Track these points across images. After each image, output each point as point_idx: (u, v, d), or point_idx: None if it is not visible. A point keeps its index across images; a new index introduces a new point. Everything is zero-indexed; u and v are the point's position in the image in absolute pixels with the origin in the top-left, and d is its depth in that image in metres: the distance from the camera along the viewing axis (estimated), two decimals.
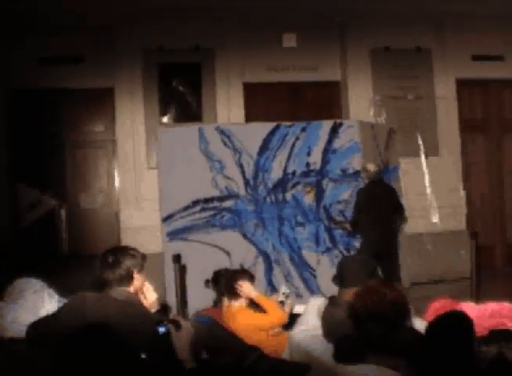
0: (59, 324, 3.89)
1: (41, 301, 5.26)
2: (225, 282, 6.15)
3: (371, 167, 9.25)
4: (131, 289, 4.22)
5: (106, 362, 2.72)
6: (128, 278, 4.19)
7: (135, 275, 4.23)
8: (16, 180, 10.82)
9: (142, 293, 4.34)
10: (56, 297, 5.54)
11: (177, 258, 8.31)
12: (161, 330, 3.70)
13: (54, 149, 11.23)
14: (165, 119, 11.12)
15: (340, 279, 5.19)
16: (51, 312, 4.44)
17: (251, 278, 6.24)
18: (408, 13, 11.94)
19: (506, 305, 5.58)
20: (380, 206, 9.07)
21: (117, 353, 2.78)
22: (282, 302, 6.51)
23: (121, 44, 11.09)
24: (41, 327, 4.15)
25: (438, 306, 5.71)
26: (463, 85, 12.55)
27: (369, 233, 9.02)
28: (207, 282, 6.73)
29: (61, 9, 10.66)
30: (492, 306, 5.58)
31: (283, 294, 6.71)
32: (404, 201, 10.53)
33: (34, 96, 11.02)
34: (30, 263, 8.89)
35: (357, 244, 9.31)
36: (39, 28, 10.84)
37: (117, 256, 4.22)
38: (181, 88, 11.23)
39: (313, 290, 9.15)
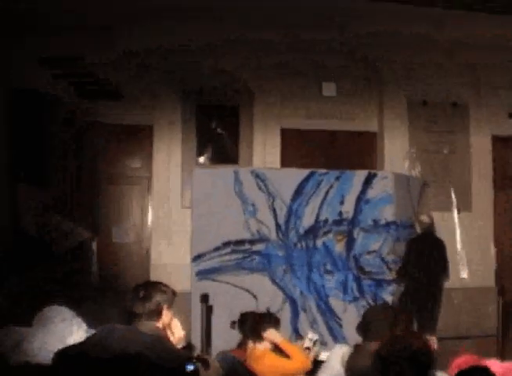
0: (86, 353, 3.94)
1: (70, 330, 5.29)
2: (250, 325, 6.19)
3: (424, 218, 9.31)
4: (160, 324, 4.28)
5: None
6: (158, 313, 4.25)
7: (165, 311, 4.28)
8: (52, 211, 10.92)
9: (170, 329, 4.40)
10: (85, 327, 5.57)
11: (205, 298, 8.38)
12: (189, 368, 3.75)
13: (90, 183, 11.34)
14: (201, 159, 11.24)
15: (363, 329, 5.24)
16: (78, 342, 4.48)
17: (277, 323, 6.29)
18: (445, 67, 12.04)
19: None
20: (427, 259, 9.10)
21: None
22: (308, 348, 6.53)
23: (162, 83, 11.21)
24: (67, 354, 4.20)
25: (462, 362, 5.68)
26: (498, 142, 12.54)
27: (412, 284, 9.03)
28: (233, 323, 6.78)
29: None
30: None
31: (310, 340, 6.72)
32: None
33: (73, 130, 11.16)
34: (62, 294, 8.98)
35: (385, 295, 9.29)
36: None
37: (149, 290, 4.29)
38: (219, 130, 11.35)
39: (338, 338, 9.11)
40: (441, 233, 11.22)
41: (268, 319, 6.32)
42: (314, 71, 11.80)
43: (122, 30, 10.94)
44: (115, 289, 10.33)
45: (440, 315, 10.40)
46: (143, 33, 10.87)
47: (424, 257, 9.10)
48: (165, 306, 4.29)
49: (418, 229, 9.40)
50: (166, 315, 4.30)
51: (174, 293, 4.41)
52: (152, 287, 4.36)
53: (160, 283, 4.47)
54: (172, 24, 10.86)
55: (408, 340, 3.86)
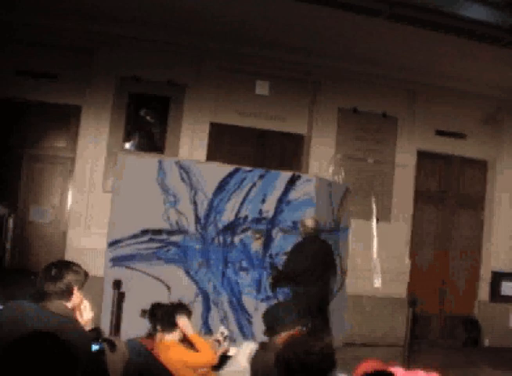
0: None
1: None
2: (162, 313, 6.16)
3: (309, 222, 9.27)
4: (70, 304, 4.23)
5: (54, 369, 2.73)
6: (68, 293, 4.20)
7: (75, 291, 4.24)
8: None
9: (79, 310, 4.36)
10: None
11: (117, 284, 8.32)
12: (95, 347, 3.72)
13: (12, 160, 11.15)
14: (128, 145, 11.14)
15: (268, 327, 5.30)
16: None
17: (189, 314, 6.28)
18: (380, 78, 12.22)
19: (435, 375, 5.64)
20: (317, 263, 9.10)
21: (66, 361, 2.80)
22: (218, 341, 6.54)
23: (98, 67, 11.11)
24: None
25: (367, 367, 5.75)
26: (423, 157, 12.80)
27: (305, 288, 9.03)
28: (143, 312, 6.74)
29: (39, 25, 10.69)
30: (420, 374, 5.63)
31: (222, 333, 6.73)
32: (349, 262, 10.70)
33: (2, 106, 10.99)
34: None
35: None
36: (16, 41, 10.84)
37: (61, 270, 4.23)
38: (148, 118, 11.27)
39: (247, 335, 9.18)
40: (358, 240, 11.45)
41: (182, 309, 6.30)
42: (249, 69, 11.81)
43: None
44: (27, 268, 10.21)
45: (351, 321, 10.62)
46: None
47: (312, 260, 9.03)
48: (76, 287, 4.24)
49: (301, 233, 9.34)
50: (76, 295, 4.25)
51: (86, 274, 4.37)
52: (64, 266, 4.30)
53: (73, 263, 4.41)
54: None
55: (310, 341, 3.89)
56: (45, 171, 11.27)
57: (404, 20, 9.68)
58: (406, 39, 10.59)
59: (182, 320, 6.04)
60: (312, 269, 8.95)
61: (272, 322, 5.34)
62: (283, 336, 5.14)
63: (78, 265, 4.37)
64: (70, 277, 4.22)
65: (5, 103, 10.96)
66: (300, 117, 12.21)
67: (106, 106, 11.02)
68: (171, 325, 6.01)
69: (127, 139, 11.11)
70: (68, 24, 10.71)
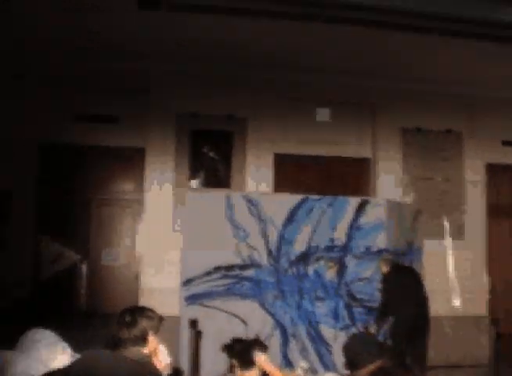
0: None
1: (54, 354, 5.22)
2: (240, 351, 6.12)
3: (384, 268, 9.23)
4: (146, 350, 4.21)
5: None
6: (143, 339, 4.19)
7: (151, 337, 4.22)
8: (40, 233, 10.87)
9: (156, 355, 4.33)
10: (69, 351, 5.50)
11: (193, 324, 8.31)
12: None
13: (80, 205, 11.29)
14: (194, 183, 11.17)
15: (349, 362, 5.19)
16: (62, 366, 4.41)
17: (265, 349, 6.22)
18: (439, 95, 12.06)
19: None
20: (407, 291, 9.01)
21: None
22: None
23: (156, 106, 11.20)
24: None
25: None
26: (492, 170, 12.54)
27: (400, 314, 8.93)
28: (223, 347, 6.70)
29: (100, 69, 10.85)
30: None
31: (302, 368, 6.65)
32: (425, 283, 10.49)
33: (65, 152, 11.16)
34: (48, 316, 8.93)
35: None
36: (76, 86, 11.03)
37: (135, 316, 4.23)
38: (212, 154, 11.30)
39: (328, 366, 9.04)
40: (433, 261, 11.22)
41: (259, 345, 6.24)
42: (308, 97, 11.77)
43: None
44: (103, 312, 10.27)
45: (431, 343, 10.35)
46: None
47: (403, 289, 8.98)
48: (151, 332, 4.23)
49: (384, 270, 9.26)
50: (152, 341, 4.23)
51: (161, 319, 4.35)
52: (138, 312, 4.29)
53: (147, 308, 4.40)
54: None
55: (394, 373, 3.78)
56: (114, 215, 11.38)
57: (458, 35, 9.52)
58: (461, 53, 10.42)
59: (259, 357, 5.98)
60: (404, 298, 8.86)
61: (353, 356, 5.22)
62: (365, 370, 5.01)
63: (152, 311, 4.35)
64: (144, 323, 4.21)
65: (68, 149, 11.14)
66: (363, 140, 12.12)
67: (168, 146, 11.10)
68: (249, 362, 5.96)
69: (192, 176, 11.15)
70: (124, 66, 10.83)
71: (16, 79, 10.73)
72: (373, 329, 9.12)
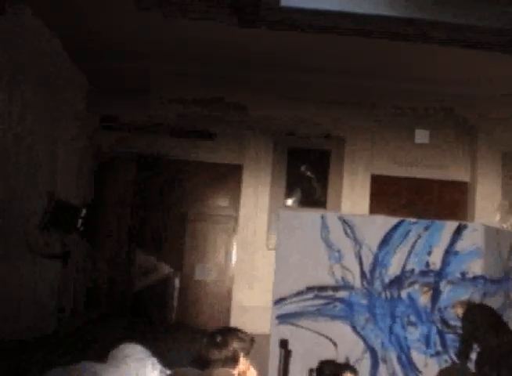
0: None
1: (144, 370, 5.27)
2: (328, 373, 6.06)
3: (459, 311, 9.03)
4: (236, 371, 4.21)
5: None
6: (234, 360, 4.19)
7: (242, 358, 4.22)
8: (134, 245, 11.04)
9: None
10: (159, 367, 5.54)
11: (284, 343, 8.27)
12: None
13: (176, 220, 11.42)
14: (289, 202, 11.20)
15: None
16: None
17: (355, 373, 6.14)
18: None
19: None
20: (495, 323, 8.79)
21: None
22: None
23: (255, 125, 11.27)
24: None
25: None
26: None
27: (486, 341, 8.72)
28: (311, 371, 6.66)
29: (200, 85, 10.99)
30: None
31: None
32: None
33: (163, 166, 11.32)
34: (138, 326, 9.06)
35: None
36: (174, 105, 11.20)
37: (226, 337, 4.23)
38: (309, 173, 11.31)
39: None
40: None
41: (349, 369, 6.18)
42: (406, 118, 11.66)
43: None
44: (193, 327, 10.35)
45: None
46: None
47: (490, 322, 8.75)
48: (242, 354, 4.23)
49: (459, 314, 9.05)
50: (243, 362, 4.23)
51: (252, 341, 4.34)
52: (229, 333, 4.31)
53: (239, 330, 4.41)
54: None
55: None
56: (208, 230, 11.49)
57: None
58: None
59: None
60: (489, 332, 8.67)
61: None
62: None
63: (244, 332, 4.35)
64: (235, 345, 4.21)
65: (164, 162, 11.30)
66: (462, 164, 11.95)
67: (266, 164, 11.16)
68: None
69: (288, 195, 11.20)
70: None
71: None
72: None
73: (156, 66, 10.68)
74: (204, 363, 4.25)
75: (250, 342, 4.32)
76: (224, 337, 4.24)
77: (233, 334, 4.29)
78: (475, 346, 8.80)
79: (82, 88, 11.11)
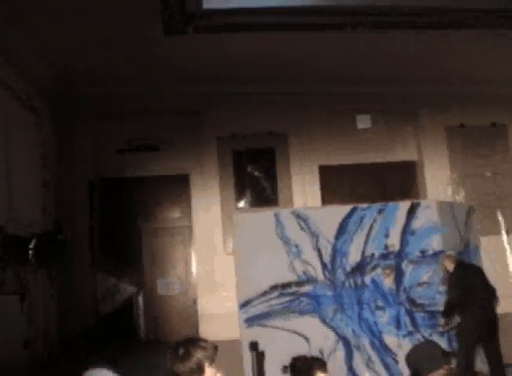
0: None
1: None
2: (300, 369, 6.01)
3: (448, 264, 9.07)
4: None
5: None
6: (200, 371, 4.11)
7: (207, 368, 4.13)
8: (97, 268, 10.90)
9: None
10: None
11: (254, 346, 8.22)
12: None
13: (131, 237, 11.31)
14: (241, 204, 11.16)
15: (412, 371, 5.05)
16: None
17: (325, 367, 6.09)
18: (481, 90, 11.85)
19: None
20: (474, 290, 8.85)
21: None
22: None
23: (198, 131, 11.22)
24: None
25: None
26: None
27: (466, 317, 8.77)
28: (284, 368, 6.62)
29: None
30: None
31: None
32: None
33: (112, 185, 11.19)
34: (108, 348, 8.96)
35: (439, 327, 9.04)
36: (117, 124, 11.11)
37: (188, 348, 4.14)
38: (256, 173, 11.28)
39: (395, 375, 8.88)
40: (491, 257, 10.98)
41: (317, 363, 6.12)
42: (347, 105, 11.68)
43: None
44: (163, 341, 10.25)
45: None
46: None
47: (471, 288, 8.82)
48: (207, 363, 4.14)
49: (449, 268, 9.10)
50: (209, 372, 4.14)
51: (215, 348, 4.25)
52: (191, 344, 4.20)
53: (200, 339, 4.31)
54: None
55: None
56: (165, 244, 11.40)
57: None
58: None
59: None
60: (472, 297, 8.72)
61: (416, 365, 5.07)
62: None
63: (205, 340, 4.26)
64: (198, 355, 4.11)
65: (113, 181, 11.18)
66: (407, 143, 11.99)
67: (212, 169, 11.13)
68: None
69: (239, 197, 11.16)
70: (162, 92, 10.88)
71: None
72: (441, 328, 8.96)
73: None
74: None
75: (214, 350, 4.24)
76: (186, 348, 4.15)
77: (195, 344, 4.19)
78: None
79: None
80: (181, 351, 4.13)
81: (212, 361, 4.18)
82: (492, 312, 9.06)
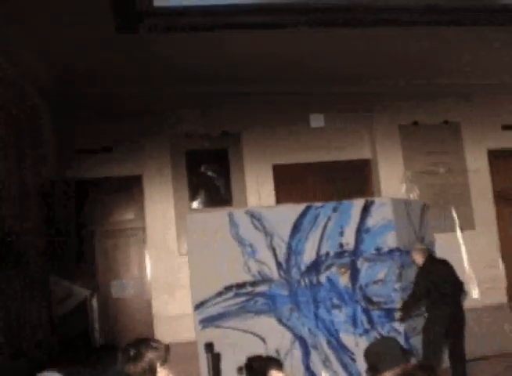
0: None
1: None
2: (255, 370, 5.93)
3: (418, 257, 9.09)
4: None
5: None
6: (151, 372, 4.02)
7: (159, 368, 4.05)
8: (48, 272, 10.69)
9: None
10: None
11: (209, 347, 8.14)
12: None
13: (84, 239, 11.13)
14: (195, 204, 11.07)
15: (370, 367, 4.99)
16: None
17: (281, 367, 6.03)
18: (434, 88, 11.91)
19: None
20: (445, 283, 8.88)
21: None
22: None
23: (148, 131, 11.13)
24: None
25: None
26: (494, 156, 12.38)
27: (434, 312, 8.78)
28: (239, 369, 6.52)
29: (87, 97, 10.82)
30: None
31: None
32: None
33: (65, 186, 11.01)
34: (63, 355, 8.80)
35: (396, 325, 9.03)
36: (69, 119, 10.98)
37: (139, 349, 4.05)
38: (210, 173, 11.21)
39: (352, 374, 8.88)
40: (446, 254, 11.00)
41: (273, 362, 6.05)
42: (300, 104, 11.64)
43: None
44: (118, 344, 10.10)
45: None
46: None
47: (439, 282, 8.84)
48: (159, 364, 4.05)
49: (419, 261, 9.11)
50: (161, 372, 4.05)
51: (167, 348, 4.17)
52: (142, 345, 4.10)
53: (151, 339, 4.22)
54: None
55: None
56: (119, 245, 11.23)
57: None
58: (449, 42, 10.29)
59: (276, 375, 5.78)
60: (438, 290, 8.73)
61: (375, 361, 5.02)
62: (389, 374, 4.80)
63: (157, 341, 4.18)
64: (150, 355, 4.02)
65: (68, 182, 11.00)
66: (361, 142, 12.01)
67: (165, 169, 11.03)
68: None
69: (193, 198, 11.07)
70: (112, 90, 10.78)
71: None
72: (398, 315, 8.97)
73: None
74: None
75: (166, 350, 4.16)
76: (137, 349, 4.06)
77: (146, 345, 4.10)
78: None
79: None
80: (132, 352, 4.03)
81: (164, 361, 4.09)
82: (459, 306, 9.09)
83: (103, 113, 11.09)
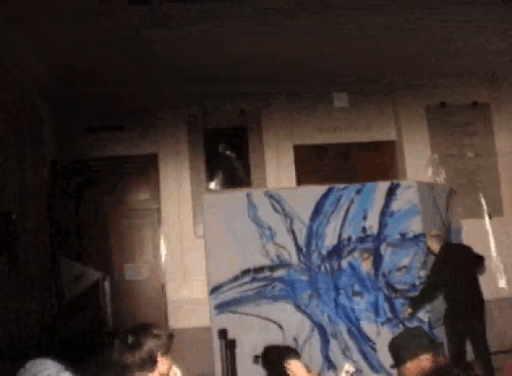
0: None
1: None
2: (272, 359, 5.61)
3: (434, 244, 8.63)
4: (156, 374, 3.63)
5: None
6: (152, 362, 3.60)
7: (160, 358, 3.62)
8: (59, 254, 10.41)
9: None
10: None
11: (223, 334, 7.84)
12: None
13: (98, 221, 10.86)
14: (212, 185, 10.77)
15: (395, 358, 4.61)
16: None
17: (298, 356, 5.70)
18: (461, 68, 11.45)
19: None
20: (459, 267, 8.44)
21: None
22: None
23: (165, 108, 10.87)
24: None
25: None
26: None
27: (456, 297, 8.38)
28: (256, 358, 6.20)
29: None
30: None
31: (347, 372, 6.12)
32: None
33: (77, 166, 10.75)
34: (73, 339, 8.57)
35: (421, 314, 8.63)
36: (82, 99, 10.76)
37: (138, 336, 3.62)
38: (228, 152, 10.91)
39: (373, 364, 8.54)
40: (473, 242, 10.57)
41: (290, 352, 5.72)
42: (323, 82, 11.27)
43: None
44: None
45: None
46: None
47: (458, 270, 8.43)
48: (159, 353, 3.63)
49: (434, 249, 8.68)
50: (162, 363, 3.63)
51: (170, 336, 3.75)
52: (142, 331, 3.67)
53: (152, 325, 3.76)
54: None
55: (454, 372, 3.24)
56: (132, 227, 10.92)
57: None
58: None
59: (293, 365, 5.43)
60: (459, 279, 8.31)
61: (399, 350, 4.63)
62: (415, 364, 4.42)
63: (158, 327, 3.72)
64: (150, 343, 3.58)
65: (80, 163, 10.76)
66: (386, 123, 11.63)
67: (181, 148, 10.79)
68: (284, 373, 5.44)
69: (210, 178, 10.78)
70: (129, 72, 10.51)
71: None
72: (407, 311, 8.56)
73: None
74: (122, 370, 3.66)
75: (169, 338, 3.74)
76: (136, 336, 3.63)
77: (146, 332, 3.65)
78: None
79: None
80: (130, 339, 3.62)
81: (167, 351, 3.69)
82: (479, 296, 8.68)
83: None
